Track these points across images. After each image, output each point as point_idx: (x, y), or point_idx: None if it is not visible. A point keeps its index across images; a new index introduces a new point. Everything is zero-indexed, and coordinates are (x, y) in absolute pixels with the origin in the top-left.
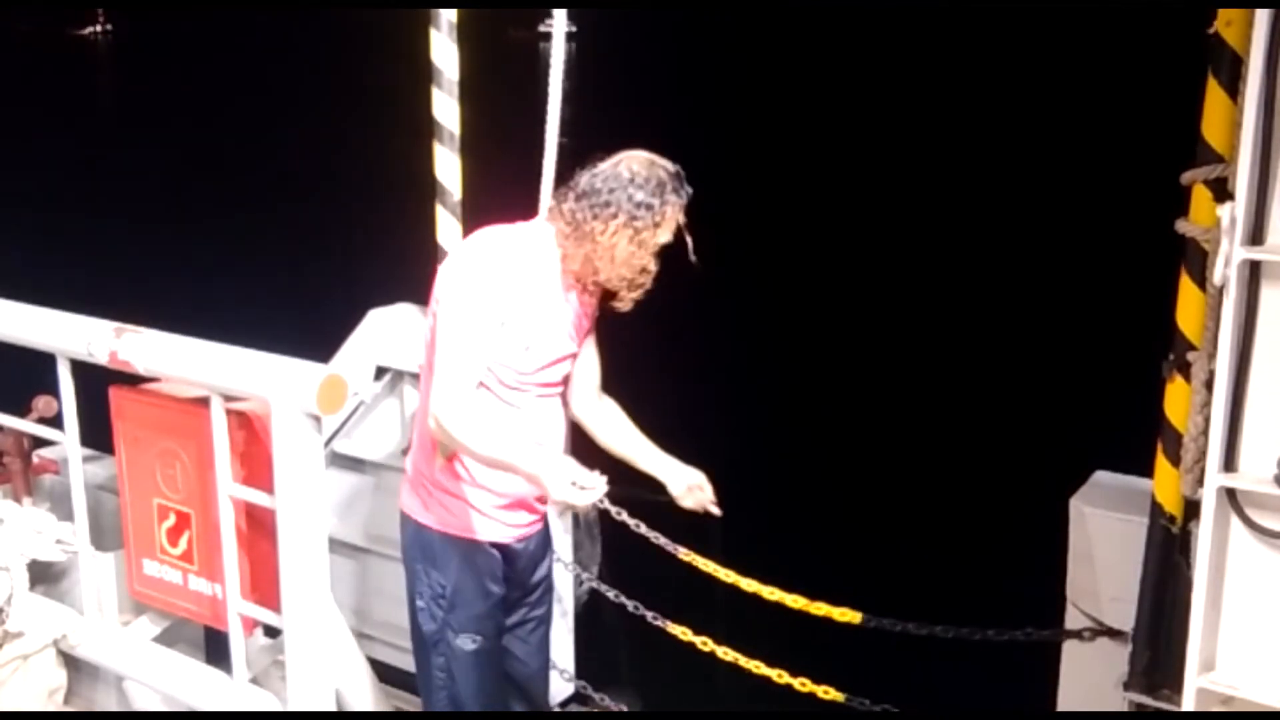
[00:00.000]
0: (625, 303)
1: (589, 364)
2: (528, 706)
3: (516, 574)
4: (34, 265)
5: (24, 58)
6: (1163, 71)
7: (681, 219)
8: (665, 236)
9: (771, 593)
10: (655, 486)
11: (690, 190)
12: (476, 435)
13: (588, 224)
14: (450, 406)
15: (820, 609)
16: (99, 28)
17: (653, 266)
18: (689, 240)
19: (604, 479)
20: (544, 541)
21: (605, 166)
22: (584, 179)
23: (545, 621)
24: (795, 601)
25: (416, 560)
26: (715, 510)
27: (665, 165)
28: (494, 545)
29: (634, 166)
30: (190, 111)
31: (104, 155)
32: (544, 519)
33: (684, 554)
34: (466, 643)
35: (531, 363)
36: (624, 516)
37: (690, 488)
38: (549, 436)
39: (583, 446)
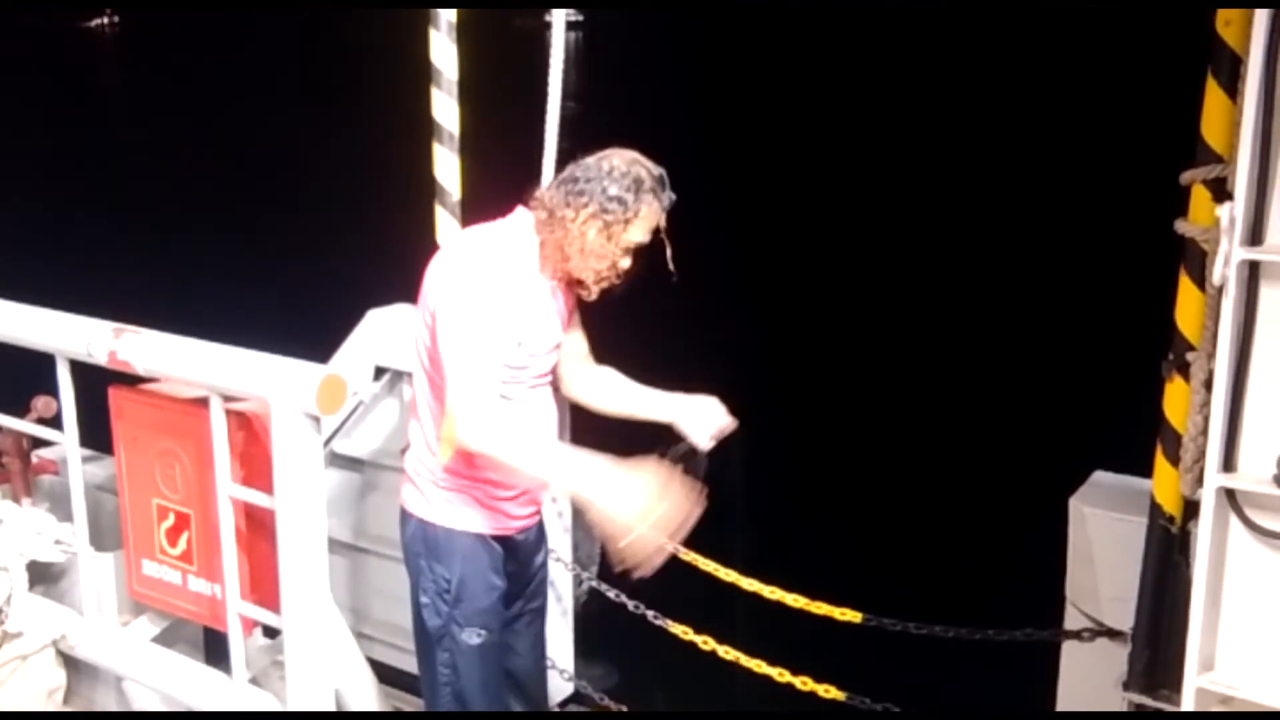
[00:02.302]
0: (590, 293)
1: (576, 341)
2: (526, 701)
3: (517, 566)
4: (34, 263)
5: (30, 49)
6: (1163, 71)
7: (662, 223)
8: (638, 235)
9: (772, 592)
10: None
11: (673, 196)
12: (518, 454)
13: (560, 210)
14: (483, 426)
15: (821, 608)
16: (106, 20)
17: (624, 264)
18: (669, 249)
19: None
20: (540, 533)
21: (591, 159)
22: (569, 169)
23: (541, 614)
24: (796, 601)
25: (420, 556)
26: (731, 426)
27: (648, 166)
28: (496, 538)
29: (615, 161)
30: (193, 106)
31: (107, 150)
32: (540, 510)
33: (685, 554)
34: (472, 637)
35: (524, 357)
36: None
37: (706, 425)
38: (543, 426)
39: (581, 427)
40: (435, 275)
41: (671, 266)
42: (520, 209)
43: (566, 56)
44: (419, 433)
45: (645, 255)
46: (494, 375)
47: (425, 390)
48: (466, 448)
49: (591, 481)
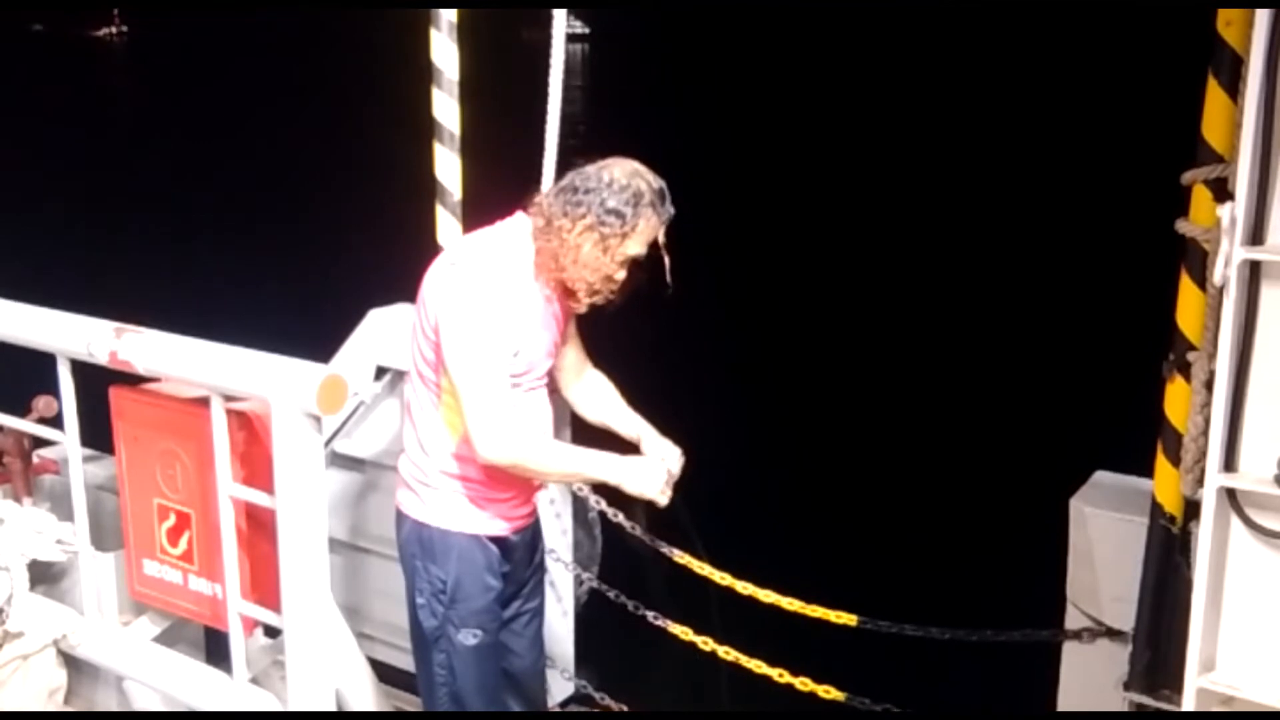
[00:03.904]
0: (580, 305)
1: (572, 346)
2: (525, 701)
3: (512, 567)
4: (36, 265)
5: (39, 58)
6: (1163, 71)
7: (661, 238)
8: (635, 249)
9: (768, 595)
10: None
11: (672, 211)
12: (543, 459)
13: (557, 220)
14: (503, 440)
15: (817, 611)
16: (114, 28)
17: (619, 276)
18: (667, 261)
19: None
20: (535, 534)
21: (591, 168)
22: (569, 177)
23: (539, 614)
24: (791, 604)
25: (415, 557)
26: (661, 499)
27: (649, 178)
28: (491, 539)
29: (615, 173)
30: (196, 110)
31: (112, 155)
32: (535, 511)
33: (679, 556)
34: (468, 638)
35: (522, 364)
36: (620, 518)
37: (657, 462)
38: (539, 426)
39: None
40: (436, 288)
41: (669, 279)
42: (520, 214)
43: (572, 69)
44: (413, 435)
45: (645, 267)
46: (504, 388)
47: (420, 393)
48: (491, 464)
49: (613, 467)
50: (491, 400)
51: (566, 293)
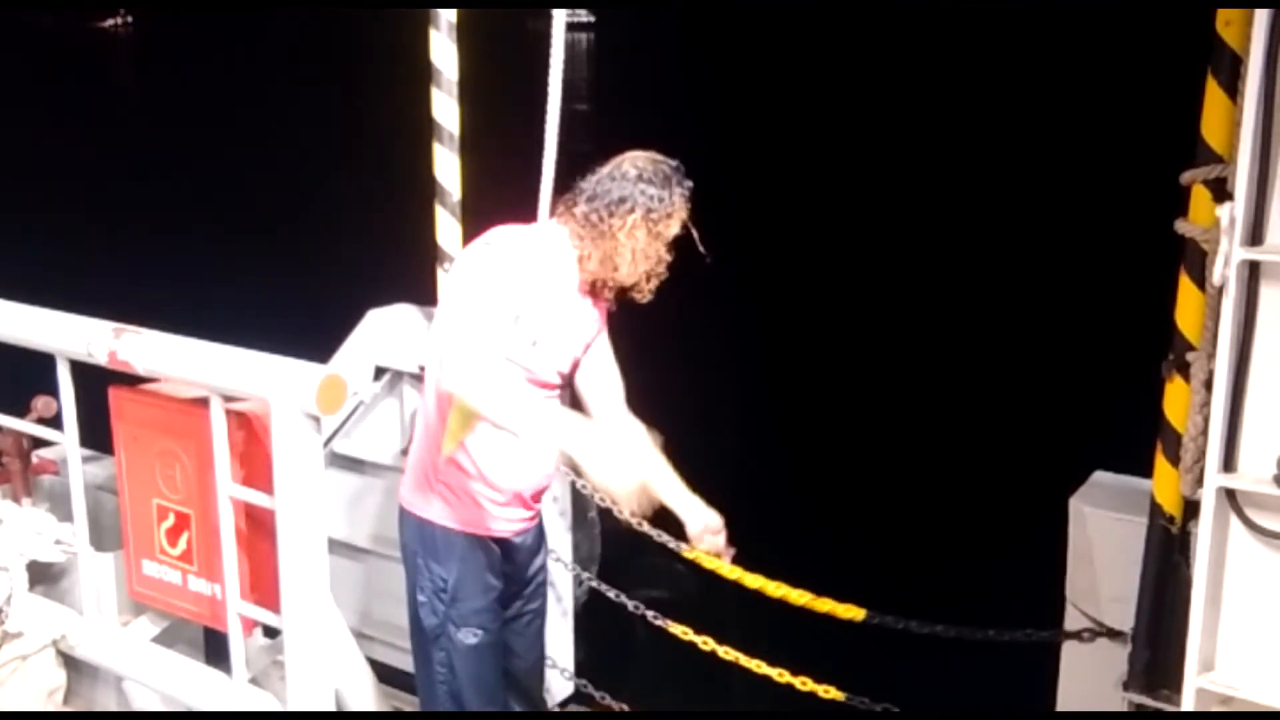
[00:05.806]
0: (644, 294)
1: (610, 380)
2: (524, 700)
3: (514, 568)
4: (34, 263)
5: (44, 50)
6: (1163, 71)
7: (685, 211)
8: (676, 227)
9: (777, 588)
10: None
11: (691, 183)
12: (499, 401)
13: (604, 223)
14: (469, 375)
15: (824, 605)
16: (119, 20)
17: (667, 256)
18: (695, 233)
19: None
20: (539, 535)
21: (608, 169)
22: (590, 183)
23: (541, 615)
24: (799, 597)
25: (417, 554)
26: (727, 558)
27: (664, 160)
28: (494, 539)
29: (639, 163)
30: (197, 107)
31: (114, 151)
32: (540, 513)
33: (687, 551)
34: (468, 636)
35: (536, 360)
36: (625, 514)
37: (707, 529)
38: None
39: None
40: (461, 259)
41: (702, 249)
42: (549, 221)
43: (577, 58)
44: (424, 432)
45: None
46: (495, 334)
47: (434, 388)
48: (453, 393)
49: (576, 441)
50: (476, 334)
51: (621, 293)
